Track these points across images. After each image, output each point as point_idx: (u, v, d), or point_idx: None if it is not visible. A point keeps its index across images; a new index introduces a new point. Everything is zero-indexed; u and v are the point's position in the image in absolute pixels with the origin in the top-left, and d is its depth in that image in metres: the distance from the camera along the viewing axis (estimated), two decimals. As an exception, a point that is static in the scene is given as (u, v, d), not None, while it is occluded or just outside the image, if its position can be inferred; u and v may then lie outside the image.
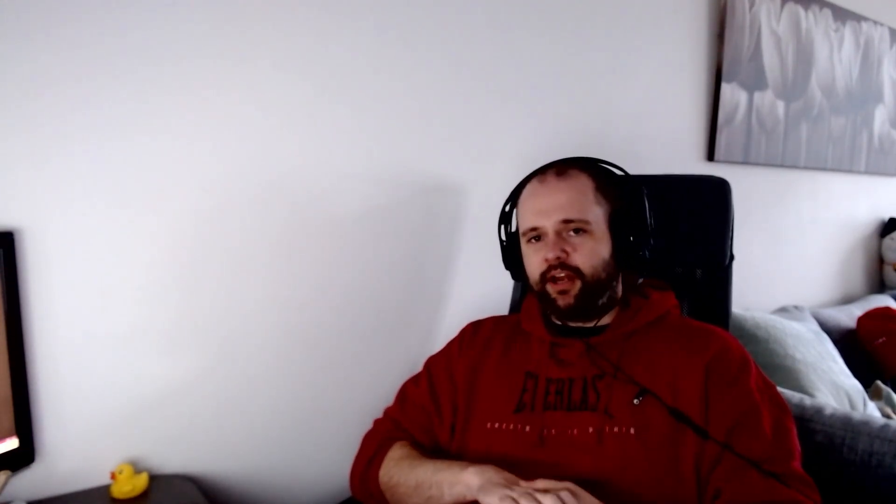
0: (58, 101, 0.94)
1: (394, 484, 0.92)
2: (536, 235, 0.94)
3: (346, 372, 1.30)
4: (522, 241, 0.98)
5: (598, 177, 0.96)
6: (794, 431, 0.86)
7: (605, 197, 0.95)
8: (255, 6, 1.10)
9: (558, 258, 0.91)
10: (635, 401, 0.86)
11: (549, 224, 0.92)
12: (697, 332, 0.93)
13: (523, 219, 0.97)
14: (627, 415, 0.86)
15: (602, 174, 0.98)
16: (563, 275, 0.91)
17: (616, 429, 0.86)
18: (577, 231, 0.92)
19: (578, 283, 0.91)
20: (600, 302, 0.94)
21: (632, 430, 0.85)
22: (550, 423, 0.89)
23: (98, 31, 0.96)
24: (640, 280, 0.99)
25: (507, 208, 1.04)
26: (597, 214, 0.93)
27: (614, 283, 0.97)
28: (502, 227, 1.05)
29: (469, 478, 0.81)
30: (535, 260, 0.95)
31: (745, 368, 0.88)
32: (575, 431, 0.87)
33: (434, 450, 0.99)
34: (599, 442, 0.85)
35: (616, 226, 0.94)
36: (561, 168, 0.96)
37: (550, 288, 0.93)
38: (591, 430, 0.86)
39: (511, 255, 1.03)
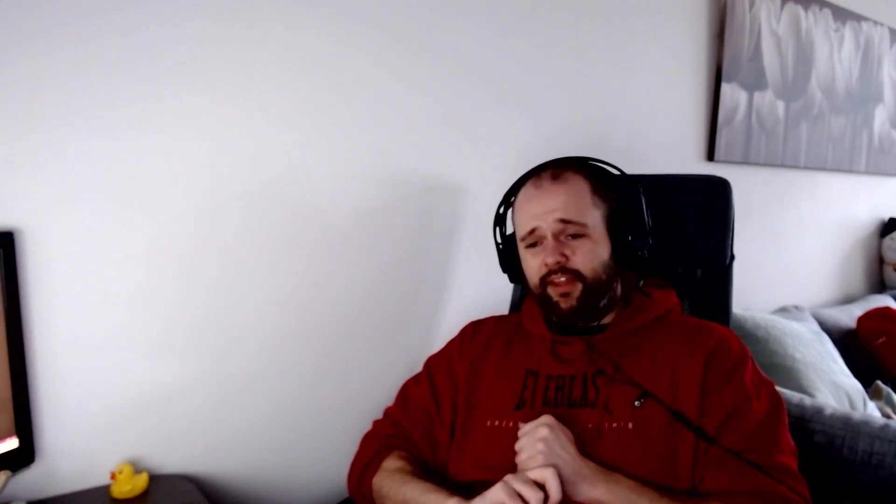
0: (58, 101, 0.94)
1: (383, 495, 0.93)
2: (534, 240, 0.94)
3: (345, 372, 1.30)
4: (520, 245, 0.98)
5: (594, 178, 0.96)
6: (786, 427, 0.86)
7: (602, 198, 0.95)
8: (255, 6, 1.10)
9: (558, 262, 0.91)
10: (636, 403, 0.87)
11: (546, 225, 0.92)
12: (698, 329, 0.93)
13: (520, 223, 0.97)
14: (627, 411, 0.87)
15: (598, 175, 0.97)
16: (563, 279, 0.91)
17: (615, 424, 0.86)
18: (575, 235, 0.91)
19: (580, 286, 0.91)
20: (602, 303, 0.94)
21: (630, 425, 0.86)
22: None
23: (98, 31, 0.96)
24: (641, 282, 0.99)
25: (502, 210, 1.04)
26: (594, 217, 0.93)
27: (614, 284, 0.97)
28: (497, 229, 1.05)
29: None
30: (534, 264, 0.94)
31: (742, 364, 0.89)
32: (574, 428, 0.87)
33: (431, 457, 0.99)
34: (598, 436, 0.85)
35: (614, 227, 0.94)
36: (556, 171, 0.95)
37: (552, 291, 0.93)
38: (590, 425, 0.86)
39: (508, 257, 1.03)
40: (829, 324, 2.18)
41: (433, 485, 0.89)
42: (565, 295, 0.92)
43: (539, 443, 0.80)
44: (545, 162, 0.99)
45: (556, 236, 0.92)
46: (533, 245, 0.95)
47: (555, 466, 0.78)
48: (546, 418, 0.83)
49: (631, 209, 0.96)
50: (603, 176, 0.98)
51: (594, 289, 0.92)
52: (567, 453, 0.81)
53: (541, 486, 0.77)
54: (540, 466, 0.78)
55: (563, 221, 0.91)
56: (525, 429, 0.84)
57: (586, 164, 0.99)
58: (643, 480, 0.81)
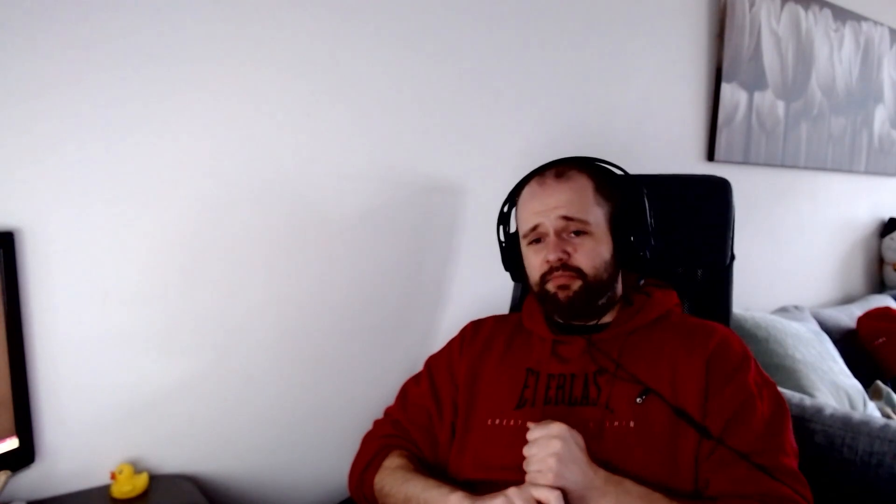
0: (58, 101, 0.94)
1: (385, 493, 0.93)
2: (537, 237, 0.94)
3: (345, 371, 1.30)
4: (523, 242, 0.98)
5: (597, 177, 0.96)
6: (790, 428, 0.86)
7: (605, 197, 0.95)
8: (255, 7, 1.10)
9: (560, 259, 0.91)
10: (638, 399, 0.87)
11: (549, 221, 0.92)
12: (698, 329, 0.93)
13: (523, 220, 0.97)
14: (628, 409, 0.87)
15: (601, 174, 0.98)
16: (564, 273, 0.91)
17: (616, 422, 0.86)
18: (577, 233, 0.92)
19: (579, 282, 0.92)
20: (600, 302, 0.94)
21: (631, 424, 0.86)
22: (551, 418, 0.89)
23: (98, 31, 0.96)
24: (642, 281, 0.99)
25: (506, 209, 1.04)
26: (597, 215, 0.93)
27: (615, 284, 0.97)
28: (500, 228, 1.05)
29: (455, 502, 0.82)
30: (535, 261, 0.95)
31: (745, 364, 0.89)
32: (575, 427, 0.87)
33: (431, 456, 1.00)
34: (600, 434, 0.85)
35: (617, 226, 0.95)
36: (560, 169, 0.96)
37: (550, 285, 0.93)
38: (591, 424, 0.86)
39: (511, 256, 1.03)
40: (829, 324, 2.18)
41: (435, 481, 0.89)
42: (563, 287, 0.92)
43: (551, 458, 0.77)
44: (549, 161, 0.99)
45: (558, 233, 0.92)
46: (535, 242, 0.95)
47: (563, 488, 0.76)
48: (559, 428, 0.79)
49: (634, 209, 0.96)
50: (606, 176, 0.98)
51: (594, 286, 0.92)
52: (579, 467, 0.78)
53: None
54: (547, 486, 0.76)
55: (566, 218, 0.92)
56: (535, 433, 0.81)
57: (590, 163, 0.99)
58: (649, 483, 0.81)
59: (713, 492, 0.81)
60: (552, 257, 0.91)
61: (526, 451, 0.81)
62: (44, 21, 0.92)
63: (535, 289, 0.96)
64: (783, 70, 2.23)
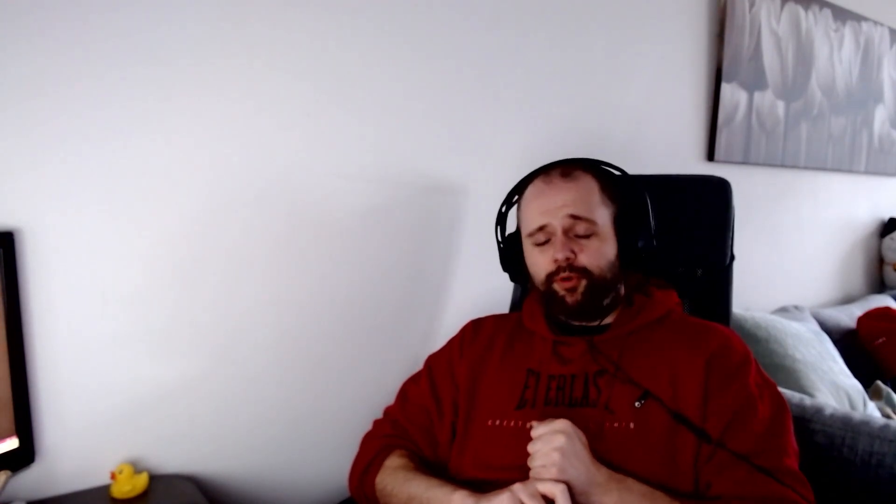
0: (58, 101, 0.94)
1: (387, 493, 0.93)
2: (544, 236, 0.94)
3: (345, 372, 1.30)
4: (527, 242, 0.98)
5: (602, 178, 0.97)
6: (791, 430, 0.86)
7: (610, 198, 0.96)
8: (255, 7, 1.10)
9: (567, 259, 0.91)
10: (637, 404, 0.87)
11: (556, 221, 0.92)
12: (699, 329, 0.94)
13: (529, 219, 0.97)
14: (628, 411, 0.87)
15: (605, 176, 0.98)
16: (570, 276, 0.92)
17: (616, 424, 0.86)
18: (584, 234, 0.92)
19: (585, 281, 0.92)
20: (605, 302, 0.95)
21: (631, 425, 0.86)
22: (551, 418, 0.89)
23: (98, 31, 0.96)
24: (647, 281, 0.99)
25: (504, 209, 1.04)
26: (603, 215, 0.94)
27: (619, 284, 0.97)
28: (499, 228, 1.05)
29: (459, 501, 0.82)
30: (542, 261, 0.95)
31: (745, 365, 0.89)
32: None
33: (432, 455, 1.00)
34: (599, 436, 0.85)
35: (621, 227, 0.95)
36: (566, 169, 0.96)
37: (558, 286, 0.93)
38: (591, 425, 0.86)
39: (510, 256, 1.03)
40: (829, 324, 2.18)
41: (438, 480, 0.89)
42: (571, 290, 0.92)
43: (555, 452, 0.78)
44: (553, 161, 0.99)
45: (565, 232, 0.92)
46: (541, 241, 0.95)
47: (568, 482, 0.76)
48: (563, 424, 0.80)
49: (637, 210, 0.97)
50: (610, 177, 0.99)
51: (599, 285, 0.92)
52: (582, 463, 0.79)
53: (549, 500, 0.76)
54: (552, 480, 0.76)
55: (574, 217, 0.92)
56: (539, 430, 0.81)
57: (594, 164, 0.99)
58: (651, 483, 0.81)
59: (715, 493, 0.81)
60: (560, 256, 0.91)
61: (530, 447, 0.81)
62: (44, 21, 0.92)
63: (542, 288, 0.96)
64: (783, 70, 2.23)
